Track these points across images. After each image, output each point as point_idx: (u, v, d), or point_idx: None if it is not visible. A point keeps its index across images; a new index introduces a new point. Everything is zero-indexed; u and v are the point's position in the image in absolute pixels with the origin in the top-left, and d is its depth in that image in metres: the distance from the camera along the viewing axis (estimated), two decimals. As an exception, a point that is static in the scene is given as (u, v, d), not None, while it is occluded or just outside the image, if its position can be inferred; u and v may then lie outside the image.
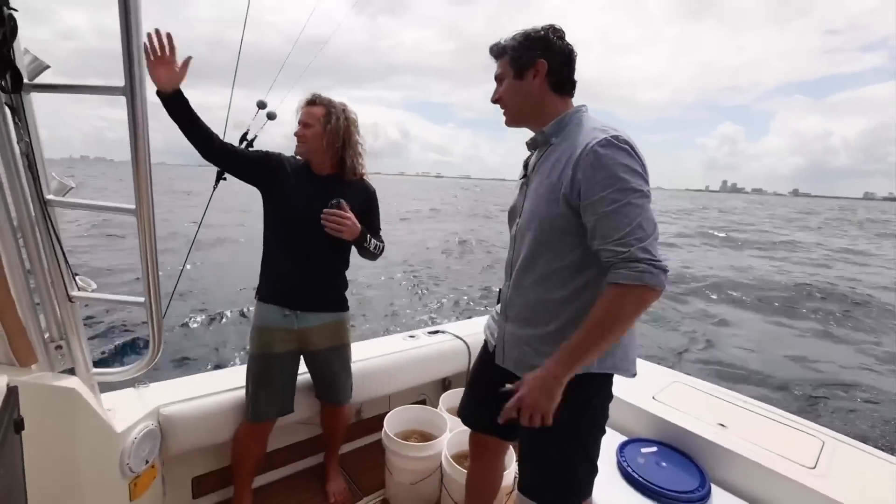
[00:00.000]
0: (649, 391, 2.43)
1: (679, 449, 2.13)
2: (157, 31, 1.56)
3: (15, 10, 0.94)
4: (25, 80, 1.06)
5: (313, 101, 2.03)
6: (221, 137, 1.88)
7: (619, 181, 1.17)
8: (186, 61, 1.64)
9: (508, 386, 1.31)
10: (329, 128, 1.98)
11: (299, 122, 2.01)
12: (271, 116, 2.00)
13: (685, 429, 2.14)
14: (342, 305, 2.18)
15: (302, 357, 2.15)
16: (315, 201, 1.95)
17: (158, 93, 1.65)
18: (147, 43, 1.53)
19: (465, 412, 1.76)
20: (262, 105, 1.96)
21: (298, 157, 2.06)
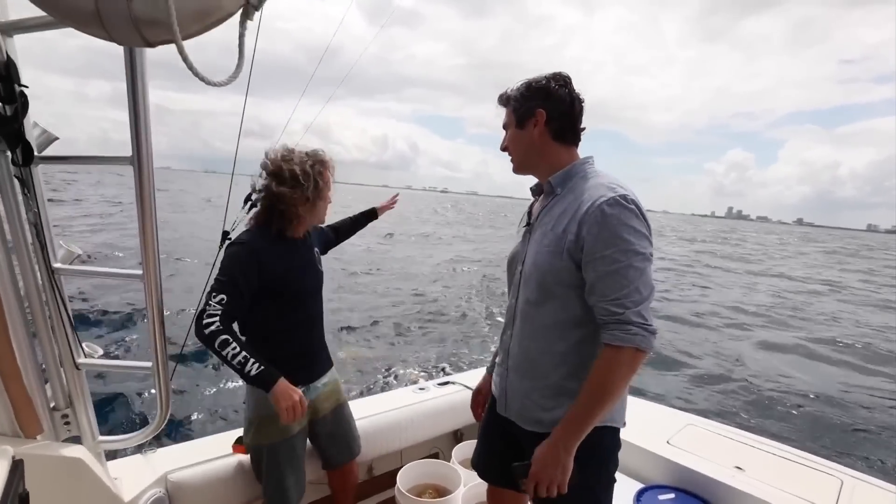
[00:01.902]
0: (663, 435, 2.34)
1: (697, 494, 2.03)
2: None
3: (26, 86, 0.94)
4: (36, 154, 1.05)
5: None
6: (235, 154, 1.66)
7: (623, 242, 1.17)
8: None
9: (516, 464, 1.31)
10: None
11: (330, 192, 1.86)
12: None
13: (702, 473, 2.05)
14: (331, 359, 2.08)
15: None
16: (307, 266, 1.87)
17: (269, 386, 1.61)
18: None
19: (479, 464, 1.69)
20: (266, 167, 1.88)
21: (248, 225, 1.80)
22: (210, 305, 1.58)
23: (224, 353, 1.55)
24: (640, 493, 2.05)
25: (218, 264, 1.65)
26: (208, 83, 0.66)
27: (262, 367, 1.59)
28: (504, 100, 1.43)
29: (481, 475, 1.69)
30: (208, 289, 1.61)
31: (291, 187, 1.71)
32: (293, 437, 1.85)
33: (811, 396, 6.59)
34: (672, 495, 2.04)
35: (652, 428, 2.38)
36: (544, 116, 1.33)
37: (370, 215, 2.38)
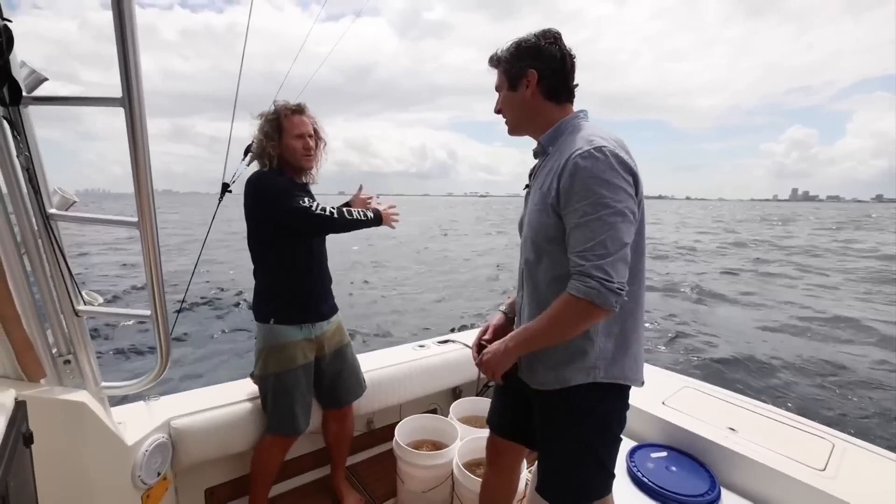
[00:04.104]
0: (659, 396, 2.35)
1: (689, 453, 2.06)
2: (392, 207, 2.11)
3: (9, 21, 0.91)
4: (24, 93, 1.02)
5: (304, 111, 1.97)
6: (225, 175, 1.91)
7: (593, 195, 1.14)
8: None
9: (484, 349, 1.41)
10: (323, 142, 2.00)
11: (301, 135, 1.93)
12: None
13: (695, 433, 2.06)
14: (336, 304, 2.17)
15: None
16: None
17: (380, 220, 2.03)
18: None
19: (492, 419, 1.71)
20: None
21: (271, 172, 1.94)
22: (308, 207, 1.81)
23: (349, 219, 1.90)
24: (632, 451, 2.07)
25: (218, 213, 1.87)
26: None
27: (372, 212, 2.00)
28: (494, 61, 1.40)
29: (491, 428, 1.70)
30: (291, 203, 1.82)
31: (264, 132, 1.91)
32: (298, 368, 1.96)
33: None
34: (664, 453, 2.06)
35: (648, 389, 2.39)
36: (536, 76, 1.31)
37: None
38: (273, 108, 1.93)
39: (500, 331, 1.57)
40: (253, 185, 1.87)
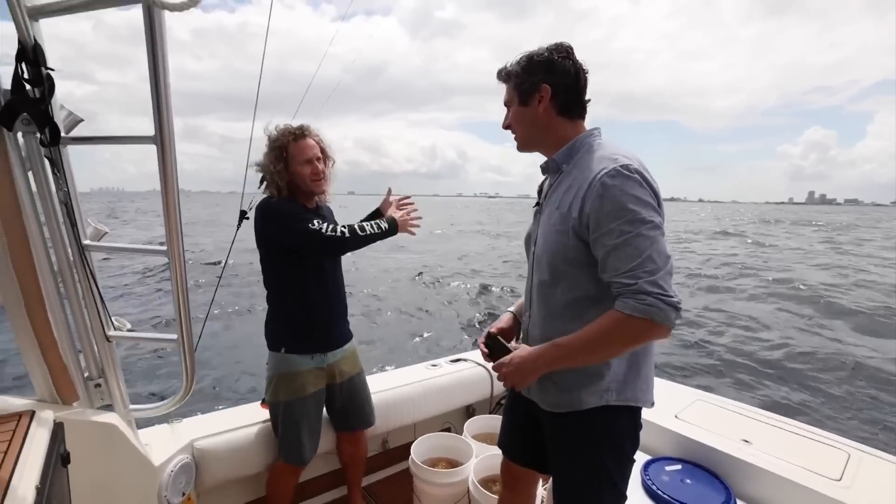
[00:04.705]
0: (672, 410, 2.34)
1: (703, 466, 2.04)
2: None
3: (52, 69, 0.99)
4: (63, 134, 1.10)
5: (308, 133, 1.91)
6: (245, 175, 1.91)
7: (628, 212, 1.10)
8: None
9: (498, 340, 1.38)
10: (331, 161, 1.97)
11: (309, 160, 1.87)
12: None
13: (709, 446, 2.05)
14: (350, 331, 2.16)
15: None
16: None
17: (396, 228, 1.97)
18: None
19: (502, 441, 1.68)
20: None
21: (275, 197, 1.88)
22: (319, 230, 1.78)
23: (363, 235, 1.85)
24: (647, 465, 2.06)
25: (237, 238, 1.89)
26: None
27: (387, 222, 1.95)
28: (504, 76, 1.35)
29: (504, 452, 1.67)
30: (302, 227, 1.79)
31: (269, 160, 1.87)
32: (308, 397, 1.94)
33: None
34: (679, 466, 2.05)
35: (661, 402, 2.38)
36: (549, 92, 1.27)
37: (375, 215, 2.23)
38: (275, 133, 1.88)
39: (509, 332, 1.54)
40: (261, 211, 1.86)
